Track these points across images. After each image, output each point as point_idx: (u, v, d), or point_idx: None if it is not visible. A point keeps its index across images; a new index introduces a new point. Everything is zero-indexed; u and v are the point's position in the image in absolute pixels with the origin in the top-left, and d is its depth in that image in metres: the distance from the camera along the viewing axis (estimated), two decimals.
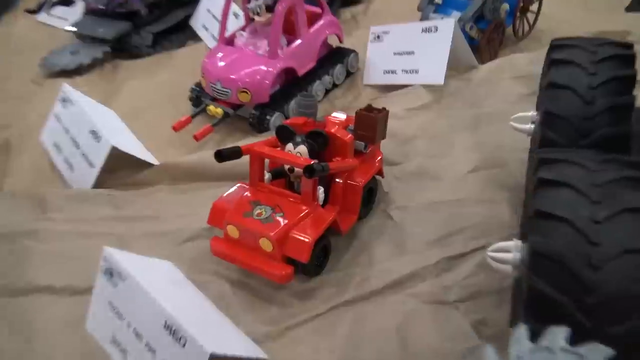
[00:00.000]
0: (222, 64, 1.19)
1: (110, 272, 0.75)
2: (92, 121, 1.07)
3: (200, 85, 1.27)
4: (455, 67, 1.22)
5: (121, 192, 1.04)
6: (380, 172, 0.96)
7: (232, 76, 1.16)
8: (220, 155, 0.83)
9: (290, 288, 0.83)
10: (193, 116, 1.20)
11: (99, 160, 1.03)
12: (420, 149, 1.08)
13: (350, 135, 0.89)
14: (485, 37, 1.29)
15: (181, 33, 1.60)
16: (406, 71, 1.22)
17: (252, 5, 1.18)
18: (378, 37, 1.29)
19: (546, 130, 0.78)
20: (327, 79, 1.30)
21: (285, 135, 0.88)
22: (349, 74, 1.37)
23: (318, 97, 1.28)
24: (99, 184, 1.05)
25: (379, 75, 1.28)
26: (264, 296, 0.83)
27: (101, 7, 1.42)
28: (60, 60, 1.45)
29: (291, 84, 1.25)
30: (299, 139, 0.87)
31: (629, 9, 1.28)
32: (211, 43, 1.50)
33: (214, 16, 1.52)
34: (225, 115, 1.19)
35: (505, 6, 1.32)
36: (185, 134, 1.19)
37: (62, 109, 1.13)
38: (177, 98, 1.33)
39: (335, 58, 1.34)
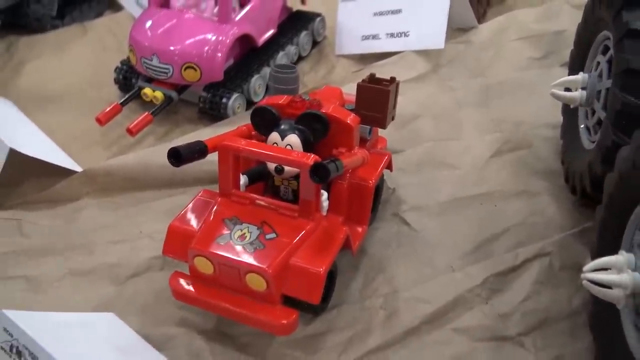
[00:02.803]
0: (157, 32, 0.90)
1: (13, 350, 0.48)
2: None
3: (128, 63, 0.98)
4: (449, 27, 0.99)
5: (29, 212, 0.75)
6: (389, 165, 0.73)
7: (172, 48, 0.88)
8: (179, 157, 0.57)
9: (288, 336, 0.59)
10: (123, 103, 0.91)
11: None
12: (425, 131, 0.86)
13: (354, 116, 0.65)
14: None
15: (94, 1, 1.28)
16: (392, 35, 0.99)
17: None
18: None
19: (628, 96, 0.58)
20: (291, 49, 1.04)
21: (265, 121, 0.63)
22: (315, 43, 1.13)
23: None
24: None
25: (356, 43, 1.04)
26: (254, 351, 0.59)
27: None
28: None
29: (248, 56, 0.99)
30: (286, 126, 0.61)
31: None
32: (136, 12, 1.20)
33: None
34: (168, 100, 0.91)
35: None
36: (115, 127, 0.90)
37: None
38: (98, 81, 1.03)
39: (297, 24, 1.09)
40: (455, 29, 1.02)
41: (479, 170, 0.79)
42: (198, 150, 0.59)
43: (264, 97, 0.97)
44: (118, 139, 0.91)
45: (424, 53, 0.97)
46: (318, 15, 1.12)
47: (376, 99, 0.67)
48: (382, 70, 0.95)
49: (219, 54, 0.89)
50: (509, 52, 0.99)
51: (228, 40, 0.90)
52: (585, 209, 0.72)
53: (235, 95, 0.91)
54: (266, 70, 0.98)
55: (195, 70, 0.89)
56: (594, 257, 0.58)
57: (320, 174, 0.51)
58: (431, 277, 0.64)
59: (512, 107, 0.90)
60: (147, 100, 0.92)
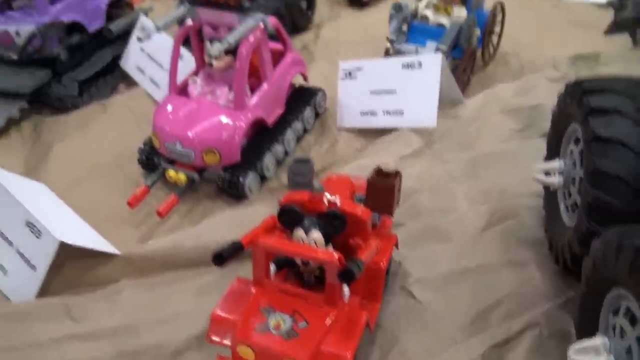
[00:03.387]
0: (179, 120, 1.00)
1: None
2: (25, 209, 0.85)
3: (150, 144, 1.08)
4: (439, 102, 1.11)
5: (75, 296, 0.83)
6: (396, 244, 0.83)
7: (194, 134, 0.98)
8: (221, 258, 0.66)
9: None
10: (150, 185, 1.00)
11: (44, 261, 0.81)
12: (423, 204, 0.97)
13: (366, 210, 0.75)
14: (462, 67, 1.20)
15: (109, 76, 1.38)
16: (388, 112, 1.10)
17: (208, 47, 1.01)
18: (349, 74, 1.16)
19: (598, 192, 0.69)
20: (297, 125, 1.15)
21: (291, 218, 0.72)
22: (316, 115, 1.23)
23: (289, 147, 1.13)
24: (44, 290, 0.83)
25: (355, 117, 1.15)
26: None
27: (13, 57, 1.17)
28: None
29: (260, 135, 1.09)
30: (308, 223, 0.71)
31: (608, 32, 1.24)
32: (150, 88, 1.30)
33: (149, 56, 1.31)
34: (191, 181, 1.01)
35: (477, 31, 1.24)
36: (142, 205, 0.99)
37: None
38: (122, 160, 1.12)
39: (301, 99, 1.19)
40: (444, 104, 1.13)
41: (473, 243, 0.89)
42: (236, 249, 0.68)
43: (274, 172, 1.08)
44: (145, 218, 0.99)
45: (418, 129, 1.08)
46: (319, 90, 1.23)
47: (384, 191, 0.77)
48: (383, 147, 1.07)
49: (236, 139, 0.99)
50: (492, 125, 1.11)
51: (244, 126, 1.00)
52: (569, 278, 0.82)
53: (250, 175, 1.01)
54: (277, 148, 1.08)
55: (215, 154, 0.99)
56: (577, 329, 0.69)
57: (347, 278, 0.61)
58: (439, 350, 0.74)
59: (496, 177, 1.00)
60: (170, 181, 1.02)
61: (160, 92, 1.28)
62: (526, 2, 1.50)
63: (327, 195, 0.76)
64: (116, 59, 1.38)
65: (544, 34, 1.48)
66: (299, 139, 1.17)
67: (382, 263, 0.75)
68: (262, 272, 0.70)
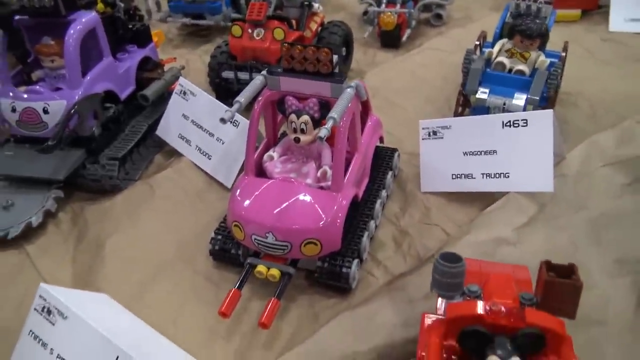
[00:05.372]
0: (269, 207, 0.85)
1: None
2: (113, 343, 0.68)
3: (224, 232, 0.93)
4: None
5: None
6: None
7: (293, 225, 0.83)
8: None
9: None
10: (240, 287, 0.85)
11: None
12: None
13: (560, 322, 0.62)
14: None
15: (142, 147, 1.21)
16: (489, 175, 0.99)
17: (294, 120, 0.87)
18: (434, 133, 1.04)
19: None
20: (383, 195, 1.02)
21: (478, 341, 0.59)
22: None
23: (378, 220, 0.99)
24: None
25: (445, 181, 1.03)
26: None
27: (50, 142, 0.99)
28: None
29: (350, 211, 0.95)
30: (502, 348, 0.58)
31: None
32: (199, 159, 1.14)
33: (194, 123, 1.16)
34: (287, 278, 0.85)
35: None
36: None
37: (50, 329, 0.72)
38: (187, 252, 0.96)
39: (380, 164, 1.07)
40: None
41: (631, 324, 0.78)
42: None
43: (368, 252, 0.94)
44: (237, 327, 0.84)
45: (527, 193, 0.97)
46: (394, 150, 1.11)
47: (567, 293, 0.65)
48: (495, 217, 0.95)
49: (339, 226, 0.85)
50: (600, 181, 1.01)
51: (345, 210, 0.86)
52: None
53: (354, 263, 0.87)
54: (370, 225, 0.94)
55: (317, 245, 0.84)
56: None
57: None
58: None
59: (627, 243, 0.90)
60: (260, 278, 0.87)
61: (211, 163, 1.13)
62: (573, 36, 1.43)
63: (501, 307, 0.64)
64: (150, 127, 1.22)
65: (602, 69, 1.41)
66: (383, 208, 1.04)
67: None
68: None
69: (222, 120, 0.81)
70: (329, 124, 0.78)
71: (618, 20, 1.58)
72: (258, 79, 0.89)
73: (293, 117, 0.88)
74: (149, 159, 1.21)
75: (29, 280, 0.91)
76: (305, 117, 0.87)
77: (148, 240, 0.99)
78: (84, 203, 1.07)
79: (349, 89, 0.85)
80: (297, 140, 0.88)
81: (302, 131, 0.88)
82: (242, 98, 0.85)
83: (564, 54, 1.20)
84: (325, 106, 0.87)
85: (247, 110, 0.88)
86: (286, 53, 0.86)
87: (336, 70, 0.86)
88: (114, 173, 1.08)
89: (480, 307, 0.62)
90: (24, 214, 0.99)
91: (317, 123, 0.89)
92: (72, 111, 1.00)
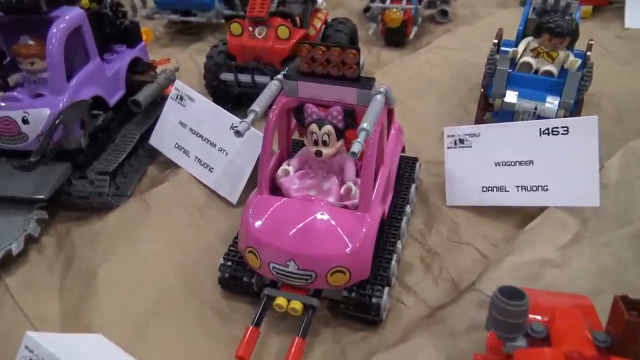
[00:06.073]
0: (288, 230, 0.75)
1: None
2: None
3: (234, 258, 0.82)
4: None
5: None
6: None
7: (316, 252, 0.73)
8: None
9: None
10: (258, 324, 0.74)
11: None
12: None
13: None
14: None
15: (134, 158, 1.09)
16: (525, 188, 0.90)
17: (315, 131, 0.77)
18: (461, 141, 0.95)
19: None
20: (407, 210, 0.92)
21: None
22: None
23: (404, 239, 0.90)
24: None
25: (474, 194, 0.94)
26: None
27: (32, 158, 0.86)
28: None
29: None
30: None
31: None
32: (199, 171, 1.03)
33: (193, 131, 1.04)
34: (311, 311, 0.75)
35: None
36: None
37: None
38: (192, 280, 0.85)
39: (401, 176, 0.97)
40: None
41: None
42: None
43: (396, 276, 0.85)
44: None
45: (569, 207, 0.88)
46: (415, 160, 1.01)
47: None
48: (535, 236, 0.86)
49: (370, 252, 0.76)
50: None
51: (375, 232, 0.76)
52: None
53: (385, 291, 0.77)
54: (398, 246, 0.85)
55: (345, 273, 0.74)
56: None
57: None
58: None
59: None
60: (280, 311, 0.76)
61: (213, 176, 1.02)
62: (587, 34, 1.35)
63: (581, 356, 0.55)
64: (143, 135, 1.10)
65: (621, 67, 1.34)
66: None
67: None
68: None
69: (238, 134, 0.71)
70: (362, 137, 0.68)
71: (635, 17, 1.51)
72: (273, 84, 0.78)
73: (314, 127, 0.78)
74: (141, 171, 1.09)
75: (9, 320, 0.79)
76: (328, 128, 0.77)
77: (146, 265, 0.87)
78: (71, 224, 0.95)
79: (378, 96, 0.75)
80: (318, 153, 0.78)
81: (325, 143, 0.78)
82: (258, 107, 0.74)
83: (588, 54, 1.12)
84: (350, 115, 0.77)
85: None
86: (306, 55, 0.75)
87: (361, 75, 0.77)
88: (104, 189, 0.96)
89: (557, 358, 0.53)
90: (2, 241, 0.86)
91: (341, 134, 0.78)
92: (57, 121, 0.88)
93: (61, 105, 0.91)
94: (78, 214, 0.97)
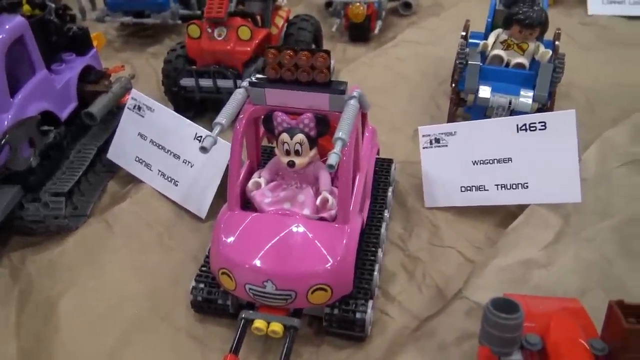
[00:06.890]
0: (266, 250, 0.70)
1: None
2: None
3: (206, 278, 0.77)
4: None
5: None
6: None
7: (297, 270, 0.69)
8: None
9: None
10: (237, 351, 0.69)
11: None
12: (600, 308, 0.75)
13: None
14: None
15: (91, 173, 1.02)
16: (504, 186, 0.88)
17: (286, 141, 0.72)
18: (436, 140, 0.92)
19: None
20: (386, 215, 0.89)
21: None
22: None
23: (383, 246, 0.86)
24: None
25: (453, 194, 0.91)
26: None
27: None
28: None
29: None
30: None
31: None
32: (163, 186, 0.96)
33: (154, 142, 0.98)
34: (292, 332, 0.70)
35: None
36: None
37: None
38: (162, 305, 0.80)
39: (377, 179, 0.93)
40: None
41: None
42: None
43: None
44: None
45: (550, 204, 0.86)
46: (390, 161, 0.98)
47: None
48: (520, 237, 0.83)
49: (351, 266, 0.72)
50: (620, 183, 0.92)
51: (355, 245, 0.73)
52: None
53: (369, 305, 0.73)
54: (379, 255, 0.81)
55: (326, 291, 0.70)
56: None
57: None
58: None
59: None
60: (258, 335, 0.72)
61: (178, 191, 0.96)
62: (551, 23, 1.34)
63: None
64: (100, 149, 1.03)
65: (587, 55, 1.33)
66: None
67: None
68: None
69: (204, 150, 0.65)
70: (338, 147, 0.63)
71: (597, 3, 1.51)
72: (239, 93, 0.73)
73: (285, 136, 0.73)
74: (101, 187, 1.01)
75: None
76: (300, 137, 0.72)
77: (113, 293, 0.81)
78: (26, 252, 0.88)
79: (352, 101, 0.70)
80: (291, 164, 0.73)
81: (297, 153, 0.73)
82: (224, 119, 0.69)
83: (557, 43, 1.10)
84: (322, 121, 0.73)
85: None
86: (272, 60, 0.70)
87: (332, 79, 0.72)
88: (59, 211, 0.88)
89: None
90: None
91: (314, 142, 0.74)
92: (2, 142, 0.80)
93: (5, 124, 0.83)
94: (33, 240, 0.90)
